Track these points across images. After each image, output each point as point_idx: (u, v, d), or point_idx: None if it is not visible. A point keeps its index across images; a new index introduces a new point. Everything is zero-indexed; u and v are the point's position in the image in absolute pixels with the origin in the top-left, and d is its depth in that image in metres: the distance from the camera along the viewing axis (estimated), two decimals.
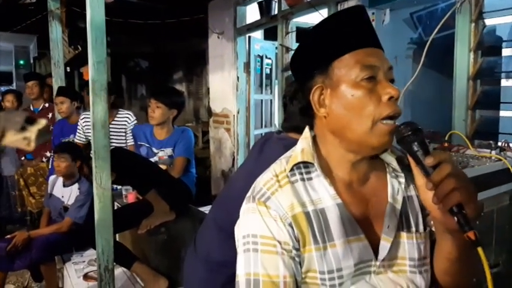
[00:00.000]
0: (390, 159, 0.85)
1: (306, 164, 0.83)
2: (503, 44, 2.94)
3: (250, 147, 3.41)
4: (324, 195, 0.80)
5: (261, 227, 0.78)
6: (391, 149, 0.86)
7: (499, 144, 1.76)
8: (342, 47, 0.80)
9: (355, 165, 0.82)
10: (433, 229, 0.84)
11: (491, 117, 2.31)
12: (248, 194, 0.84)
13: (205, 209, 2.45)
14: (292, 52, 3.54)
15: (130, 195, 2.67)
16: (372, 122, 0.76)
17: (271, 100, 4.55)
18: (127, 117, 3.27)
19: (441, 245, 0.81)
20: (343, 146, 0.81)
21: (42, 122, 0.37)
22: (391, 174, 0.85)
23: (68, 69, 6.31)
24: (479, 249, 0.64)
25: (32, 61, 9.22)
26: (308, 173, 0.83)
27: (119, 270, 2.40)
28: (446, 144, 1.83)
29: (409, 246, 0.82)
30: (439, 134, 1.92)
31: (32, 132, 0.35)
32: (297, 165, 0.83)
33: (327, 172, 0.82)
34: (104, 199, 1.91)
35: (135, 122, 3.29)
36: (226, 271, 1.33)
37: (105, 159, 1.89)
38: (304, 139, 0.86)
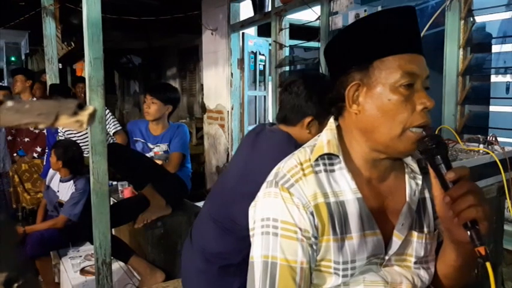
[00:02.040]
0: (410, 160, 0.86)
1: (330, 156, 0.84)
2: (493, 41, 3.00)
3: None
4: (345, 188, 0.81)
5: (283, 212, 0.79)
6: None
7: (488, 138, 1.81)
8: (387, 48, 0.78)
9: (377, 163, 0.83)
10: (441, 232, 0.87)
11: (481, 112, 2.37)
12: (270, 178, 0.84)
13: (200, 204, 2.48)
14: (286, 49, 3.58)
15: (126, 190, 2.69)
16: (402, 129, 0.77)
17: (264, 96, 4.58)
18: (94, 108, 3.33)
19: (446, 253, 0.84)
20: (369, 144, 0.82)
21: (91, 108, 0.41)
22: (409, 175, 0.86)
23: (61, 65, 6.28)
24: (488, 264, 0.67)
25: (23, 57, 9.14)
26: (331, 164, 0.83)
27: (116, 264, 2.43)
28: None
29: (418, 245, 0.84)
30: (429, 129, 1.97)
31: (84, 115, 0.39)
32: (321, 156, 0.83)
33: (349, 166, 0.83)
34: (101, 194, 1.93)
35: (109, 111, 3.31)
36: (221, 261, 1.36)
37: (102, 154, 1.91)
38: (330, 130, 0.87)
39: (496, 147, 1.70)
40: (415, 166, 0.86)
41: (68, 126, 0.40)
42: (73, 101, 0.40)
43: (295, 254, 0.78)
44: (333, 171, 0.83)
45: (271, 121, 4.28)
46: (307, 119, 1.34)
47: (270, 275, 0.77)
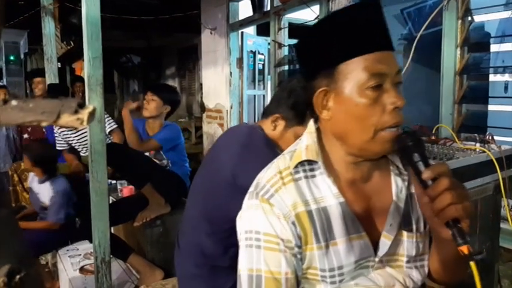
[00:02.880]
0: (394, 157, 0.84)
1: (310, 161, 0.81)
2: (491, 40, 3.01)
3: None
4: (326, 193, 0.79)
5: (264, 225, 0.78)
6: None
7: (485, 137, 1.82)
8: (350, 49, 0.74)
9: (358, 164, 0.81)
10: None
11: (478, 111, 2.38)
12: (251, 189, 0.84)
13: None
14: (285, 48, 3.59)
15: (125, 189, 2.70)
16: (374, 132, 0.75)
17: (264, 95, 4.59)
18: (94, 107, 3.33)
19: (435, 250, 0.83)
20: (344, 148, 0.80)
21: (91, 106, 0.43)
22: (394, 172, 0.84)
23: (59, 64, 6.29)
24: (472, 264, 0.66)
25: (22, 57, 9.14)
26: (312, 170, 0.82)
27: (115, 263, 2.44)
28: (433, 138, 1.89)
29: (409, 244, 0.82)
30: (427, 128, 1.98)
31: (84, 114, 0.41)
32: (301, 163, 0.81)
33: (331, 170, 0.81)
34: (100, 192, 1.94)
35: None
36: (211, 262, 1.36)
37: (101, 153, 1.92)
38: (309, 134, 0.84)
39: (493, 146, 1.71)
40: (399, 163, 0.84)
41: (69, 124, 0.42)
42: (74, 100, 0.42)
43: (279, 266, 0.77)
44: (313, 176, 0.81)
45: None
46: (275, 115, 1.35)
47: (255, 287, 0.77)
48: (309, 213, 0.78)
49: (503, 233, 1.75)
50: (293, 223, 0.78)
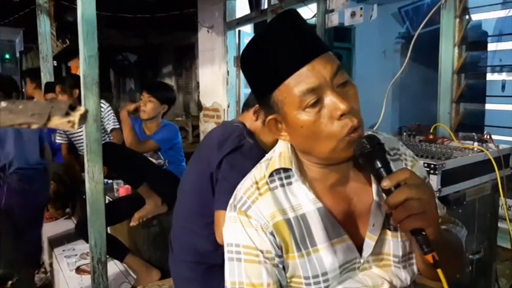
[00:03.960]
0: None
1: (286, 169, 0.80)
2: (489, 39, 3.02)
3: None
4: (303, 200, 0.78)
5: (243, 237, 0.78)
6: None
7: (483, 136, 1.82)
8: (275, 76, 0.72)
9: (332, 170, 0.79)
10: None
11: (476, 110, 2.38)
12: (230, 202, 0.83)
13: None
14: None
15: (121, 189, 2.68)
16: (334, 142, 0.72)
17: None
18: (100, 106, 3.28)
19: (416, 251, 0.81)
20: (314, 160, 0.79)
21: (82, 109, 0.42)
22: None
23: (55, 63, 6.25)
24: (439, 271, 0.65)
25: (18, 55, 9.09)
26: (288, 177, 0.81)
27: (111, 263, 2.42)
28: (431, 137, 1.89)
29: (394, 243, 0.81)
30: (424, 127, 1.98)
31: (75, 116, 0.40)
32: (276, 171, 0.80)
33: (305, 176, 0.80)
34: (96, 192, 1.92)
35: (109, 108, 3.30)
36: (205, 262, 1.36)
37: (97, 153, 1.91)
38: (283, 141, 0.82)
39: (491, 145, 1.71)
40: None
41: (59, 127, 0.41)
42: (65, 102, 0.41)
43: (260, 277, 0.77)
44: (290, 183, 0.80)
45: None
46: (256, 106, 1.38)
47: None
48: (287, 221, 0.78)
49: (501, 232, 1.75)
50: (271, 233, 0.77)
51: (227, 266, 0.80)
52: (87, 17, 1.82)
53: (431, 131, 1.94)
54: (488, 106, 2.93)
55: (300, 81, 0.70)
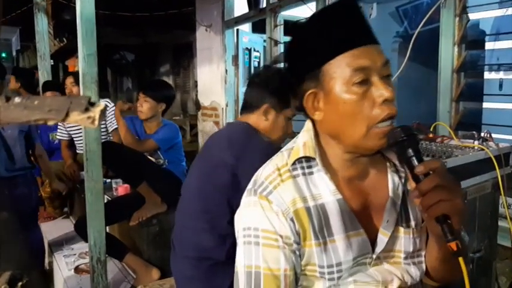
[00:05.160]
0: (391, 154, 0.84)
1: (308, 159, 0.82)
2: (487, 38, 3.03)
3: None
4: (324, 190, 0.80)
5: (263, 221, 0.78)
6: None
7: (482, 134, 1.82)
8: (331, 49, 0.75)
9: (354, 162, 0.81)
10: None
11: (475, 108, 2.39)
12: (249, 187, 0.84)
13: None
14: (281, 45, 3.58)
15: (120, 188, 2.67)
16: (366, 128, 0.74)
17: None
18: (105, 105, 3.27)
19: (430, 244, 0.83)
20: (340, 147, 0.80)
21: (102, 104, 0.40)
22: (391, 169, 0.84)
23: (52, 62, 6.23)
24: (461, 259, 0.67)
25: (14, 54, 9.04)
26: (309, 167, 0.82)
27: (111, 262, 2.41)
28: (431, 135, 1.89)
29: (406, 240, 0.82)
30: (424, 126, 1.98)
31: (96, 112, 0.38)
32: (298, 160, 0.82)
33: (328, 167, 0.81)
34: (95, 192, 1.92)
35: (113, 106, 3.29)
36: (207, 262, 1.36)
37: (96, 152, 1.90)
38: (306, 131, 0.85)
39: (491, 143, 1.71)
40: (396, 160, 0.84)
41: (79, 123, 0.40)
42: (84, 97, 0.40)
43: (277, 262, 0.77)
44: (311, 173, 0.82)
45: None
46: (264, 106, 1.43)
47: (254, 284, 0.77)
48: (307, 209, 0.79)
49: (501, 230, 1.75)
50: (292, 219, 0.78)
51: (242, 249, 0.80)
52: (86, 15, 1.81)
53: (431, 129, 1.94)
54: (485, 105, 2.93)
55: (354, 59, 0.74)
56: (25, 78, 3.90)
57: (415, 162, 0.71)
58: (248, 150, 1.32)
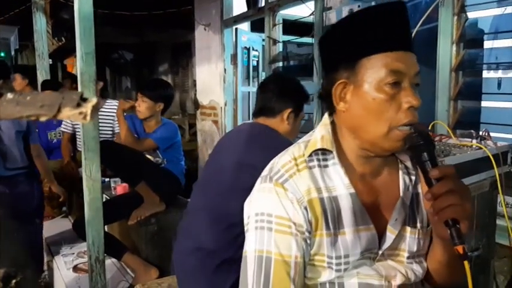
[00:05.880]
0: (404, 156, 0.87)
1: (324, 151, 0.84)
2: (485, 37, 3.02)
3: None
4: (338, 183, 0.82)
5: (277, 207, 0.79)
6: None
7: (480, 133, 1.82)
8: (373, 46, 0.78)
9: (369, 159, 0.84)
10: None
11: (473, 107, 2.39)
12: (264, 174, 0.85)
13: None
14: (279, 44, 3.58)
15: (119, 187, 2.67)
16: (388, 128, 0.77)
17: None
18: (115, 107, 3.27)
19: (434, 248, 0.85)
20: (356, 142, 0.82)
21: (94, 99, 0.40)
22: (403, 171, 0.87)
23: (51, 61, 6.21)
24: (466, 263, 0.69)
25: (13, 53, 9.02)
26: (325, 160, 0.84)
27: (109, 262, 2.41)
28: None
29: (411, 240, 0.85)
30: (423, 125, 1.97)
31: (87, 107, 0.38)
32: (315, 152, 0.84)
33: (343, 161, 0.83)
34: (93, 191, 1.91)
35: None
36: (214, 258, 1.36)
37: (95, 150, 1.89)
38: (324, 126, 0.87)
39: (489, 142, 1.71)
40: (408, 162, 0.87)
41: (71, 119, 0.40)
42: (76, 93, 0.39)
43: (289, 249, 0.78)
44: (326, 166, 0.83)
45: None
46: (287, 111, 1.51)
47: (264, 269, 0.78)
48: (321, 200, 0.80)
49: (499, 229, 1.75)
50: (305, 208, 0.79)
51: (253, 234, 0.80)
52: (84, 14, 1.81)
53: (429, 128, 1.94)
54: (484, 103, 2.94)
55: (393, 60, 0.77)
56: (32, 75, 3.91)
57: (430, 166, 0.73)
58: (259, 143, 1.42)
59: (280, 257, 0.78)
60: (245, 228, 0.84)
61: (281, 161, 0.84)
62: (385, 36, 0.78)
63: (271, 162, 0.87)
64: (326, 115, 0.89)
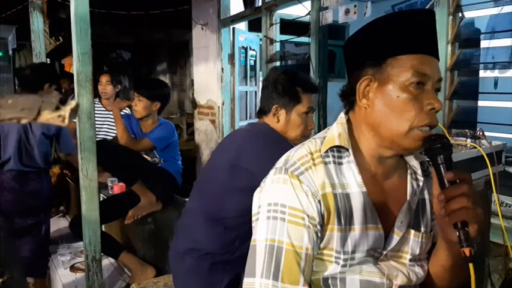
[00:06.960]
0: (414, 162, 0.90)
1: (339, 149, 0.86)
2: (481, 36, 3.03)
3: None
4: (351, 181, 0.84)
5: (291, 198, 0.80)
6: (416, 153, 0.91)
7: (476, 133, 1.83)
8: (402, 47, 0.81)
9: (382, 159, 0.86)
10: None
11: (469, 106, 2.40)
12: (279, 165, 0.86)
13: None
14: (276, 44, 3.58)
15: (115, 187, 2.68)
16: (409, 127, 0.79)
17: (255, 92, 4.57)
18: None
19: (438, 251, 0.87)
20: (376, 140, 0.85)
21: (73, 103, 0.41)
22: (411, 176, 0.90)
23: (49, 60, 6.21)
24: (471, 265, 0.70)
25: (10, 53, 8.99)
26: (340, 157, 0.86)
27: (106, 261, 2.42)
28: None
29: (414, 243, 0.88)
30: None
31: (66, 111, 0.39)
32: (331, 148, 0.86)
33: (357, 160, 0.85)
34: (90, 190, 1.92)
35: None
36: (210, 258, 1.37)
37: (91, 150, 1.90)
38: (340, 124, 0.89)
39: (484, 141, 1.72)
40: (417, 167, 0.90)
41: (50, 122, 0.41)
42: (55, 96, 0.40)
43: (301, 240, 0.79)
44: (340, 163, 0.85)
45: None
46: (274, 107, 1.48)
47: (275, 258, 0.78)
48: (335, 195, 0.82)
49: (493, 228, 1.76)
50: (319, 201, 0.81)
51: (265, 223, 0.81)
52: (80, 14, 1.81)
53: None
54: (480, 103, 2.95)
55: (420, 63, 0.79)
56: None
57: (445, 169, 0.76)
58: (256, 143, 1.41)
59: (292, 248, 0.78)
60: (254, 218, 0.85)
61: (297, 154, 0.86)
62: (415, 39, 0.81)
63: (287, 154, 0.88)
64: (342, 114, 0.91)
